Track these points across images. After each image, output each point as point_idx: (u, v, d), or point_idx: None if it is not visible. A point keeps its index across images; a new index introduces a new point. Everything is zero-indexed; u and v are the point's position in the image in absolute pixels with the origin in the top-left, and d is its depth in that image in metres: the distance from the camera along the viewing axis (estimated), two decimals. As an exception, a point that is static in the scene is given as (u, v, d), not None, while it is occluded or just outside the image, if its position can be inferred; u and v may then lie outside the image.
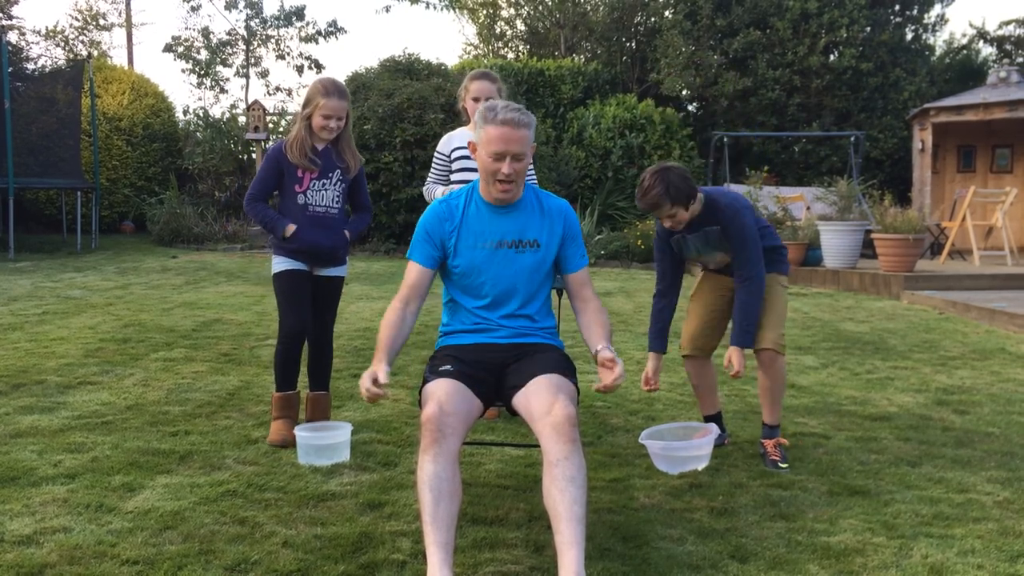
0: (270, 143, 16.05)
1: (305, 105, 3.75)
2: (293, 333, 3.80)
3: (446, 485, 2.38)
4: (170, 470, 3.37)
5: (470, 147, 2.83)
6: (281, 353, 3.83)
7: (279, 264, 3.83)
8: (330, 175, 3.82)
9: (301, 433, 3.52)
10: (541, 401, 2.53)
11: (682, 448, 3.48)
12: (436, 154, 4.33)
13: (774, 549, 2.72)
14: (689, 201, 3.41)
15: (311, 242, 3.78)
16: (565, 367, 2.74)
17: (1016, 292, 8.78)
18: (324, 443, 3.51)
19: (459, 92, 4.29)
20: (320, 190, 3.80)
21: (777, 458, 3.56)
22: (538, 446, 2.55)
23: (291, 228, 3.73)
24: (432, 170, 4.36)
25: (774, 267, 3.70)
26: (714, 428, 3.61)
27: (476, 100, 4.18)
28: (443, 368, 2.70)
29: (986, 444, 3.87)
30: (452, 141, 4.29)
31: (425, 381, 2.70)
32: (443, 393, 2.55)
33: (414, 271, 2.86)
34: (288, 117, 16.66)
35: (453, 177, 4.29)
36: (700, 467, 3.50)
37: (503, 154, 2.70)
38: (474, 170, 4.13)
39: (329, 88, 3.70)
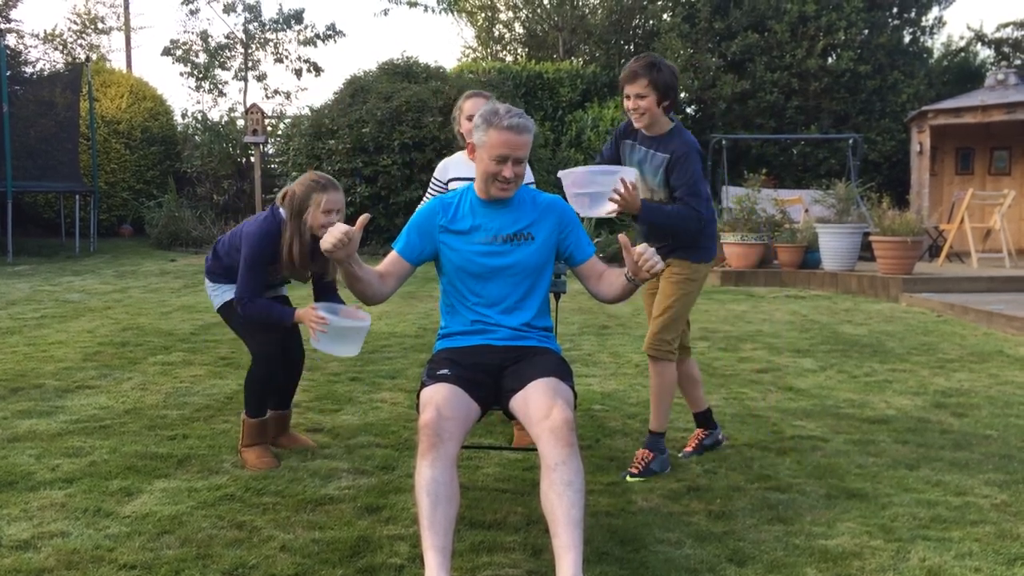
0: (267, 146, 16.05)
1: (299, 208, 3.38)
2: (270, 355, 3.56)
3: (444, 489, 2.38)
4: (168, 474, 3.37)
5: (468, 148, 2.84)
6: (260, 379, 3.57)
7: (226, 292, 3.59)
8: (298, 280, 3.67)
9: (321, 313, 3.28)
10: (539, 405, 2.54)
11: (600, 180, 3.10)
12: (433, 180, 4.28)
13: (772, 552, 2.72)
14: (665, 95, 3.36)
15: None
16: (562, 371, 2.74)
17: (1014, 294, 8.78)
18: (346, 326, 3.26)
19: (454, 114, 4.22)
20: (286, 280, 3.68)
21: (635, 470, 3.44)
22: (536, 450, 2.55)
23: (304, 312, 3.36)
24: (428, 194, 4.30)
25: (698, 255, 3.52)
26: (632, 171, 3.32)
27: (471, 119, 4.16)
28: (440, 372, 2.70)
29: (984, 447, 3.87)
30: (448, 170, 4.22)
31: (423, 385, 2.70)
32: (441, 398, 2.55)
33: (389, 257, 2.87)
34: (287, 120, 16.66)
35: None
36: (609, 209, 3.14)
37: (505, 158, 2.72)
38: None
39: (323, 182, 3.41)
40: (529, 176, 4.43)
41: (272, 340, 3.58)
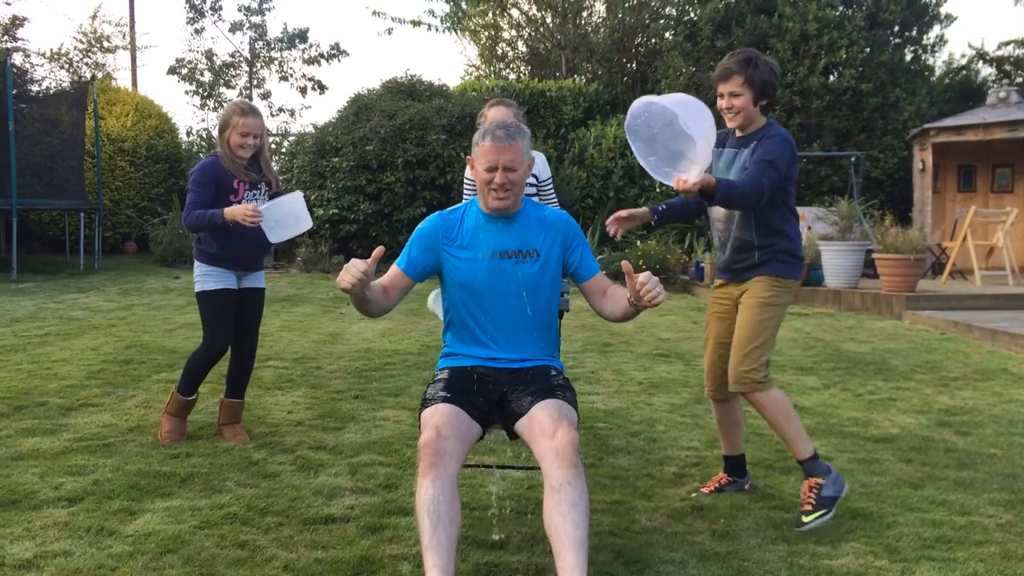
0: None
1: (223, 128, 4.02)
2: (218, 352, 4.11)
3: (444, 509, 2.38)
4: (171, 493, 3.37)
5: (469, 163, 2.89)
6: (199, 364, 4.12)
7: (208, 280, 4.05)
8: (259, 186, 4.11)
9: (251, 205, 3.81)
10: (544, 425, 2.54)
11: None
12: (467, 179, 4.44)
13: (776, 573, 2.71)
14: (762, 93, 3.14)
15: (244, 249, 4.04)
16: (566, 391, 2.74)
17: (1017, 312, 8.77)
18: (280, 208, 3.85)
19: (478, 121, 4.32)
20: (252, 200, 4.04)
21: (809, 507, 3.14)
22: (539, 468, 2.55)
23: (238, 210, 3.80)
24: (464, 193, 4.44)
25: (784, 269, 3.27)
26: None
27: None
28: (442, 392, 2.70)
29: (988, 466, 3.86)
30: None
31: (424, 405, 2.70)
32: (441, 417, 2.56)
33: (391, 271, 2.90)
34: (291, 138, 16.76)
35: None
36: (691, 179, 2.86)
37: (494, 166, 2.75)
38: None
39: (245, 108, 4.03)
40: (543, 168, 4.47)
41: (225, 341, 4.09)
